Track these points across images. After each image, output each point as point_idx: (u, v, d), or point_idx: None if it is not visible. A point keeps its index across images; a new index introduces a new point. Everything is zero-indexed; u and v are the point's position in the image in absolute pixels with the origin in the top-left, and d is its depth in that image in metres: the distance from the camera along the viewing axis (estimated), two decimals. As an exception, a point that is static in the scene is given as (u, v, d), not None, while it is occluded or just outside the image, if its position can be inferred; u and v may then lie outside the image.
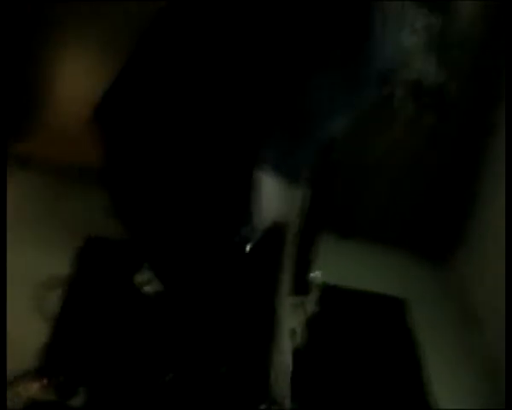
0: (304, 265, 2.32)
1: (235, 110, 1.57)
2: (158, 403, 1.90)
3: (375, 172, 2.89)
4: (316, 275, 2.39)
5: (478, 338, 2.62)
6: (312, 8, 1.54)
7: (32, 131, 2.88)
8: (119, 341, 2.03)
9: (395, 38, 1.64)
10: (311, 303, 2.33)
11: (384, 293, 2.81)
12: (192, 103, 1.58)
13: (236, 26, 1.58)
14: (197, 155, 1.60)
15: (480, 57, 2.55)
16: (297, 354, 2.11)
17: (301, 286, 2.27)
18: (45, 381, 1.89)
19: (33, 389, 1.88)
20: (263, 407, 1.90)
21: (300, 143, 1.61)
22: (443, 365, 2.50)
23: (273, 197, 1.62)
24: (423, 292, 2.91)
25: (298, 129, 1.58)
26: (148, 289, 2.11)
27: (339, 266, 2.85)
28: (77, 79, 2.77)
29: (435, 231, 3.02)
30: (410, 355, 2.51)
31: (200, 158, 1.60)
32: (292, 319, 2.15)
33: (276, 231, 1.74)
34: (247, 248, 1.69)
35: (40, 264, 2.37)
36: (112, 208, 1.75)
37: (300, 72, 1.54)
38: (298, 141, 1.59)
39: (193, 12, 1.66)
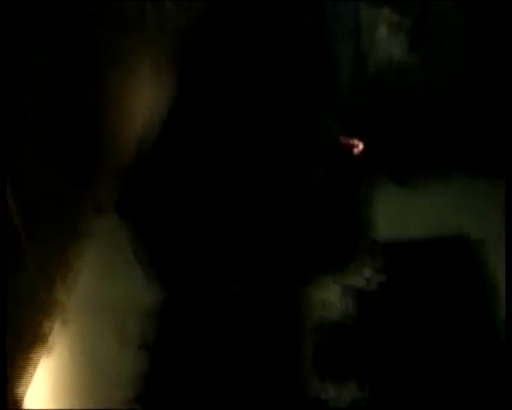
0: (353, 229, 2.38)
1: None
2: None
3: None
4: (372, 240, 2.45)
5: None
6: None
7: (103, 175, 2.94)
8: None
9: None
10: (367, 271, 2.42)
11: (447, 235, 2.73)
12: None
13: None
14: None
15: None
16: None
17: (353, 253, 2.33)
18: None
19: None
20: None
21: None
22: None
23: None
24: (491, 215, 2.82)
25: None
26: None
27: (402, 213, 2.84)
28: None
29: (490, 147, 2.95)
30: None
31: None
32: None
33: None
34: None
35: (127, 295, 2.50)
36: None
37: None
38: None
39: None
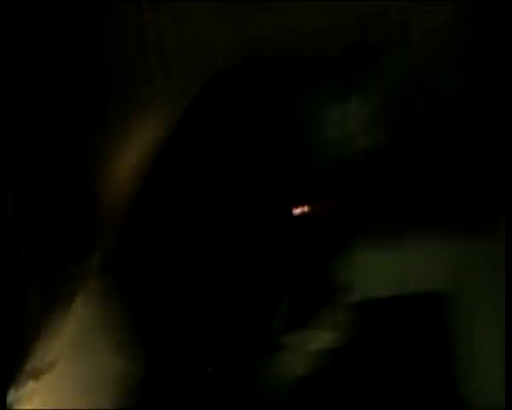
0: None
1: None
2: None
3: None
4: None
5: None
6: None
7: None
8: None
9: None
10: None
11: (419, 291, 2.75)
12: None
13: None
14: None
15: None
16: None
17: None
18: None
19: None
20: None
21: None
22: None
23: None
24: (470, 269, 2.85)
25: None
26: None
27: (380, 274, 2.90)
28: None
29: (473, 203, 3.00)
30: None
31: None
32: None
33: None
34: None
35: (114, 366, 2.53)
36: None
37: None
38: None
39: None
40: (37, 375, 2.00)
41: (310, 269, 2.33)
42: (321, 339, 2.29)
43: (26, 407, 2.22)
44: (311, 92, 1.84)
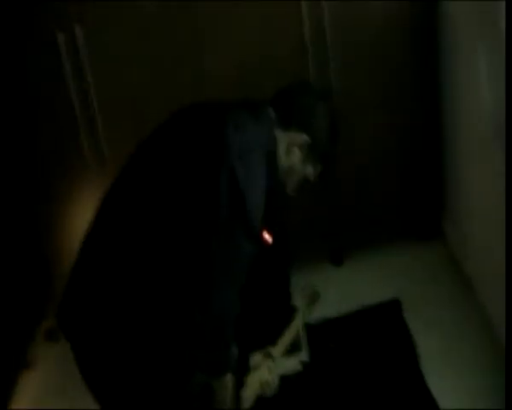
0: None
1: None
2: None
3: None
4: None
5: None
6: None
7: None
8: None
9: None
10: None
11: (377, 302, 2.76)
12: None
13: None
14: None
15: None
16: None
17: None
18: None
19: None
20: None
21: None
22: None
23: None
24: (426, 276, 2.90)
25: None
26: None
27: (340, 290, 2.88)
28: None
29: (421, 215, 3.06)
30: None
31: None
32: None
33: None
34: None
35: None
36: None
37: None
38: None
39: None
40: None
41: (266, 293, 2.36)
42: (282, 362, 2.31)
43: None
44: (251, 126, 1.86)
